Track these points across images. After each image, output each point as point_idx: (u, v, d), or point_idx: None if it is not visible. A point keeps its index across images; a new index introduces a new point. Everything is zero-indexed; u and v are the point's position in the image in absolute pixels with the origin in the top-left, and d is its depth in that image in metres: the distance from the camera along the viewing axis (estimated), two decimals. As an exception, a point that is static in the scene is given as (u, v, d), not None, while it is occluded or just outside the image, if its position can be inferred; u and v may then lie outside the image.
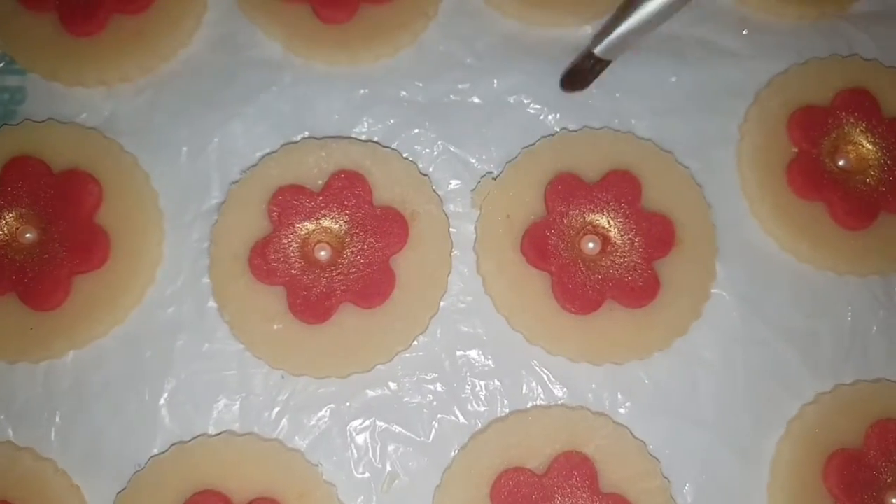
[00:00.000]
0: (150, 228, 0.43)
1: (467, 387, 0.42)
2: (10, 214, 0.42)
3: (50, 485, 0.39)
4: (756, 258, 0.44)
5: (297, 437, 0.41)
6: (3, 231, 0.42)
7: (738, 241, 0.44)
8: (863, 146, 0.45)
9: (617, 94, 0.46)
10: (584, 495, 0.39)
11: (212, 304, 0.42)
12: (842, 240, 0.44)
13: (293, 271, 0.41)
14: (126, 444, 0.40)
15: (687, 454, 0.41)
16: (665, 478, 0.40)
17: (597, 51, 0.41)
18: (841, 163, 0.45)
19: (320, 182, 0.43)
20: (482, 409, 0.42)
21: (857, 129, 0.45)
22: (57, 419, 0.41)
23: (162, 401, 0.41)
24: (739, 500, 0.41)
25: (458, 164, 0.45)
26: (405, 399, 0.41)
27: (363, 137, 0.44)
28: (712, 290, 0.43)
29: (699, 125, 0.46)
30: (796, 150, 0.45)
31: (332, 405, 0.41)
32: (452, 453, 0.41)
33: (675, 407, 0.42)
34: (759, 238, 0.44)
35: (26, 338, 0.41)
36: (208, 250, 0.43)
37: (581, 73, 0.44)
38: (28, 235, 0.42)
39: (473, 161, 0.45)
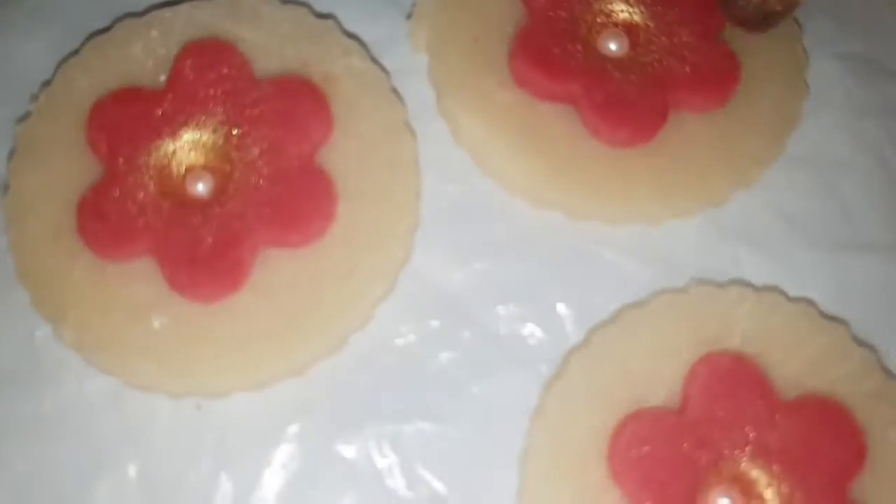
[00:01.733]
0: None
1: (500, 320, 0.25)
2: None
3: None
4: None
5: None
6: None
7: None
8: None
9: None
10: (760, 415, 0.23)
11: (41, 330, 0.24)
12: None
13: (160, 224, 0.24)
14: None
15: (868, 293, 0.26)
16: (863, 344, 0.24)
17: None
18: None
19: (163, 77, 0.26)
20: (539, 343, 0.25)
21: None
22: None
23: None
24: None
25: (370, -4, 0.28)
26: (411, 365, 0.24)
27: (212, -7, 0.28)
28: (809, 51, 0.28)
29: None
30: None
31: (300, 423, 0.24)
32: (522, 426, 0.24)
33: (828, 238, 0.26)
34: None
35: None
36: (8, 245, 0.25)
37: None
38: None
39: (392, -14, 0.28)
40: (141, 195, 0.24)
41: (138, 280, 0.24)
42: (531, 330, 0.25)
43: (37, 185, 0.25)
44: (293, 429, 0.24)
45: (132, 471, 0.23)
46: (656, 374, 0.24)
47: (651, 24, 0.27)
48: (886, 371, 0.24)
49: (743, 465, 0.23)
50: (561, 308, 0.25)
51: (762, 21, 0.26)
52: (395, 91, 0.26)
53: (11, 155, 0.25)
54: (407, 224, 0.25)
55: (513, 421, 0.24)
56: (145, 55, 0.26)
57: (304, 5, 0.27)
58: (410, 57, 0.28)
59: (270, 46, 0.26)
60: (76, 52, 0.26)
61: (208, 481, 0.23)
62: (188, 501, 0.23)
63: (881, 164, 0.27)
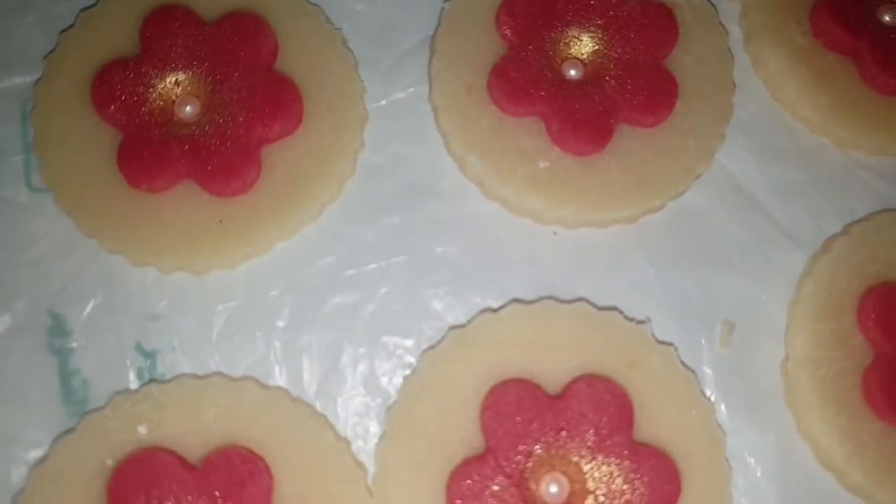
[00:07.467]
0: (346, 77, 0.33)
1: (774, 208, 0.33)
2: (165, 83, 0.32)
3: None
4: None
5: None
6: (160, 104, 0.32)
7: None
8: None
9: None
10: None
11: (447, 160, 0.33)
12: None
13: (549, 93, 0.32)
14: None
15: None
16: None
17: None
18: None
19: (550, -12, 0.34)
20: (806, 227, 0.33)
21: None
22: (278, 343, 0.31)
23: (431, 290, 0.32)
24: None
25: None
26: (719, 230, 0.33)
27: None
28: None
29: None
30: None
31: (628, 252, 0.32)
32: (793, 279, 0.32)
33: None
34: None
35: (217, 234, 0.31)
36: (427, 93, 0.33)
37: None
38: (188, 109, 0.32)
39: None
40: (535, 70, 0.33)
41: (528, 133, 0.32)
42: (786, 219, 0.33)
43: (455, 51, 0.33)
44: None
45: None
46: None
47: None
48: None
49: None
50: (823, 206, 0.33)
51: None
52: (721, 24, 0.34)
53: (430, 39, 0.33)
54: (724, 122, 0.33)
55: (785, 278, 0.32)
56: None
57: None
58: (725, 3, 0.36)
59: (628, -21, 0.34)
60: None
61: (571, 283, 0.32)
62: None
63: None
